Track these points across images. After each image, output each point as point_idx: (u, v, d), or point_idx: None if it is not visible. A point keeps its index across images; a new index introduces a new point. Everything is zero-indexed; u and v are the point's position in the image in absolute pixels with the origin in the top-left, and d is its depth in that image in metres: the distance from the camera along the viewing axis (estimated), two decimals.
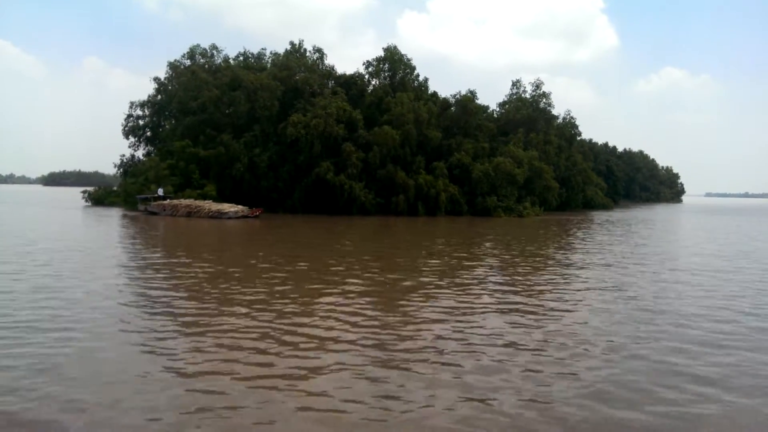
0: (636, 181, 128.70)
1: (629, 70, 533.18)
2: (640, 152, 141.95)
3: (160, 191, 42.49)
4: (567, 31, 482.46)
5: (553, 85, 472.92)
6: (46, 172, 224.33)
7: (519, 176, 49.68)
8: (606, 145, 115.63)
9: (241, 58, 58.94)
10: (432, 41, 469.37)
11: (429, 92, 56.12)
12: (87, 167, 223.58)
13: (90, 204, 53.39)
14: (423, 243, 26.10)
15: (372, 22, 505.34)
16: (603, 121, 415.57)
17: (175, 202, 40.12)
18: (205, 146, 46.95)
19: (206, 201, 40.53)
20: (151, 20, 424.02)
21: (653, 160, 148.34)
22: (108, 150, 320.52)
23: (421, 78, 55.61)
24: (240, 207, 39.05)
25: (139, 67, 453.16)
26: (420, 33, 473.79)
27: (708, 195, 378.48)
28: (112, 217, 39.03)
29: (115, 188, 59.44)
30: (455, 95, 56.33)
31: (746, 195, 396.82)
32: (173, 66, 59.94)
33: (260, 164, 46.17)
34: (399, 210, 45.67)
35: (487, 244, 25.42)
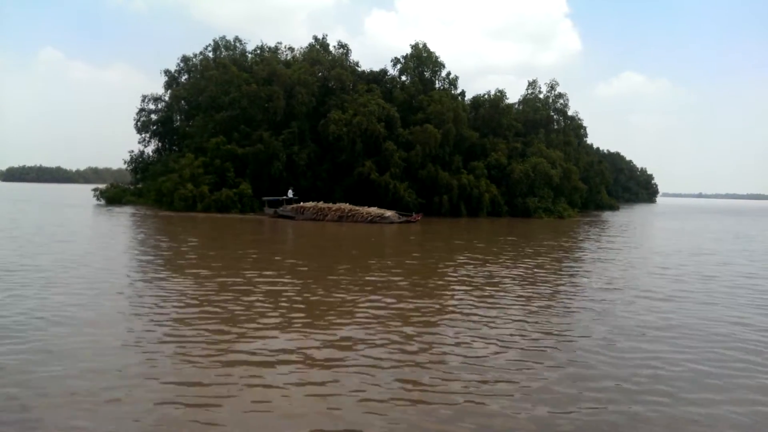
0: (619, 182, 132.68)
1: (592, 73, 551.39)
2: (618, 153, 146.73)
3: (290, 193, 40.30)
4: (533, 34, 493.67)
5: (521, 86, 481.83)
6: (3, 167, 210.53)
7: (555, 177, 49.73)
8: (591, 146, 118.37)
9: (258, 51, 56.70)
10: (400, 40, 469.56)
11: (458, 91, 55.38)
12: (47, 162, 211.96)
13: (103, 203, 50.02)
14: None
15: (341, 19, 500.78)
16: None
17: (322, 205, 37.92)
18: (240, 143, 44.70)
19: (345, 204, 38.37)
20: (113, 12, 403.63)
21: (630, 161, 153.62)
22: (69, 144, 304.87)
23: (451, 76, 54.75)
24: (393, 211, 37.79)
25: (100, 59, 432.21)
26: (388, 31, 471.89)
27: (664, 195, 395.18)
28: (220, 221, 32.95)
29: (126, 185, 56.26)
30: (484, 94, 55.88)
31: (700, 195, 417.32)
32: (185, 59, 57.29)
33: (299, 162, 44.35)
34: (442, 211, 44.78)
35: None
